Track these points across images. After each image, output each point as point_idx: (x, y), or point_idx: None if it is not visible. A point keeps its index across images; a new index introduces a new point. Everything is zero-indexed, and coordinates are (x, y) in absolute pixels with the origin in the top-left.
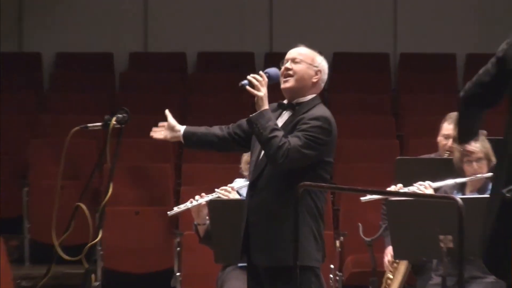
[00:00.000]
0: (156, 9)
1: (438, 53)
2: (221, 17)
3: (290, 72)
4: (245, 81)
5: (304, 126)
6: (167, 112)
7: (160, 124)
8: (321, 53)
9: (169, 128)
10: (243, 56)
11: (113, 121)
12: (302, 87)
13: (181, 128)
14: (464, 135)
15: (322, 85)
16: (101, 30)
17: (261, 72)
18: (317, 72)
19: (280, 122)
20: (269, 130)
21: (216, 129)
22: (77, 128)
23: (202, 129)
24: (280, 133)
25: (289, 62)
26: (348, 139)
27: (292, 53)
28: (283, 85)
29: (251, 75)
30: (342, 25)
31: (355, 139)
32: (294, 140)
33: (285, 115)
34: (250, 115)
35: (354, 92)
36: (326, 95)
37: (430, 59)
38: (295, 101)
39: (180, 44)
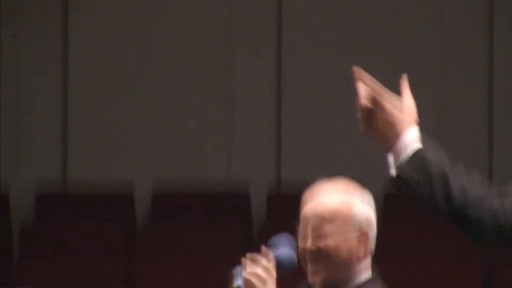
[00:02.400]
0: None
1: None
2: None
3: (318, 252)
4: (239, 283)
5: None
6: None
7: None
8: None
9: None
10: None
11: None
12: (342, 268)
13: None
14: None
15: (373, 246)
16: None
17: (266, 253)
18: (363, 234)
19: None
20: None
21: None
22: None
23: None
24: None
25: (311, 231)
26: None
27: (315, 212)
28: (310, 276)
29: (248, 261)
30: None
31: None
32: None
33: None
34: None
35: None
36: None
37: None
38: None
39: None
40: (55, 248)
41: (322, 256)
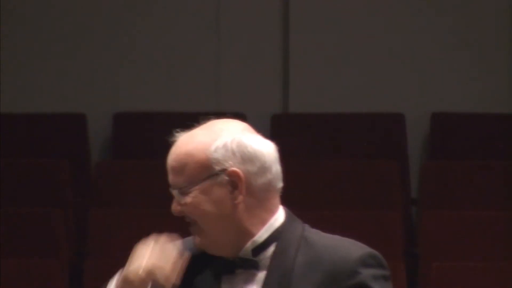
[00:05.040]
0: None
1: None
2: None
3: (183, 214)
4: None
5: None
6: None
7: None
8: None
9: None
10: None
11: None
12: (221, 226)
13: None
14: None
15: (274, 186)
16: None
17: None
18: (231, 174)
19: None
20: None
21: None
22: None
23: None
24: None
25: (172, 190)
26: None
27: (168, 166)
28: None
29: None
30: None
31: None
32: None
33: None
34: None
35: None
36: None
37: None
38: (248, 249)
39: None
40: None
41: (188, 218)
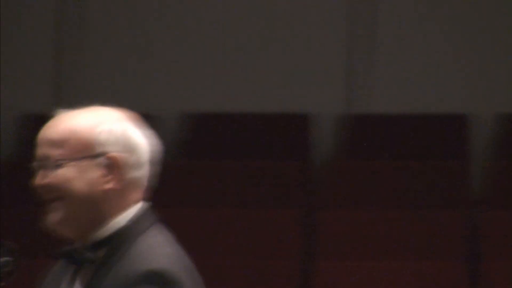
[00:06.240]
0: None
1: None
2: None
3: (47, 188)
4: None
5: None
6: None
7: None
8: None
9: None
10: None
11: None
12: (81, 208)
13: None
14: None
15: (142, 183)
16: None
17: None
18: (110, 158)
19: None
20: None
21: None
22: None
23: None
24: None
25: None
26: None
27: (43, 136)
28: (48, 223)
29: None
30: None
31: None
32: None
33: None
34: None
35: None
36: None
37: None
38: (81, 243)
39: None
40: None
41: (52, 193)
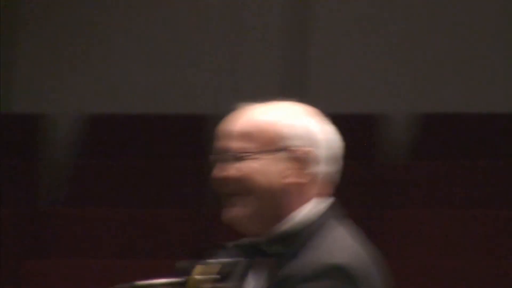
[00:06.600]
0: None
1: None
2: None
3: (227, 181)
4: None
5: None
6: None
7: None
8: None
9: None
10: None
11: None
12: (263, 201)
13: None
14: None
15: (324, 177)
16: None
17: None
18: (293, 159)
19: None
20: None
21: None
22: None
23: None
24: None
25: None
26: None
27: (225, 130)
28: (227, 215)
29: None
30: None
31: None
32: None
33: (256, 273)
34: None
35: None
36: None
37: None
38: (265, 236)
39: None
40: None
41: (233, 186)
